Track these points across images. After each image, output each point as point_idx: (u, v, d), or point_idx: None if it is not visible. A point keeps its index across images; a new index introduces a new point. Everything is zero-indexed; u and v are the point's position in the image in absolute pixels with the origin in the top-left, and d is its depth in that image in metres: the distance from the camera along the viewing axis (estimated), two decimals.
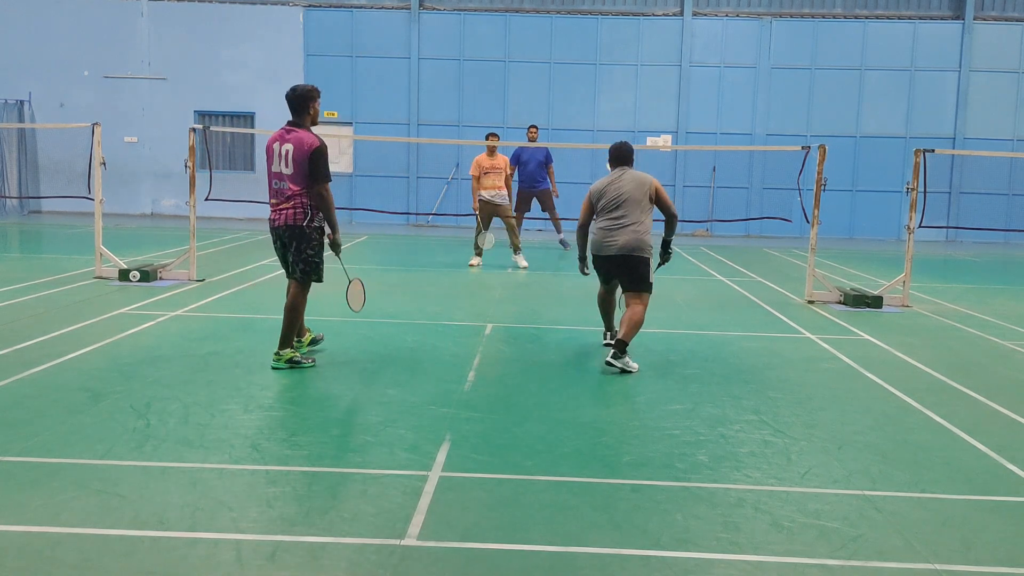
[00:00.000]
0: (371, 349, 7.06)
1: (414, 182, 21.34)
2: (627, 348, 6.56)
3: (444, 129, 20.89)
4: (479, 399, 5.67)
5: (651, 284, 6.87)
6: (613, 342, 7.18)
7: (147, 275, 10.03)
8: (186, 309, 8.49)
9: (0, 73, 20.64)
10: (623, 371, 6.44)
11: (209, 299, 9.11)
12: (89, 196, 10.68)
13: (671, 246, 7.20)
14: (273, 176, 6.24)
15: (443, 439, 4.80)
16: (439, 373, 6.32)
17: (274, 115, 20.35)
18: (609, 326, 7.47)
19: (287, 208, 6.16)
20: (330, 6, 21.07)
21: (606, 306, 7.40)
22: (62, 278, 10.15)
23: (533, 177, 14.30)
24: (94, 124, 10.53)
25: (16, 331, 7.19)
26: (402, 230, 20.09)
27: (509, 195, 12.87)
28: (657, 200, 6.95)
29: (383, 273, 12.15)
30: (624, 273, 6.84)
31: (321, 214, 6.26)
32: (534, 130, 14.71)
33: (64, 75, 20.91)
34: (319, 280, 6.38)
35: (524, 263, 12.69)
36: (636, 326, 6.67)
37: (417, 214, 20.70)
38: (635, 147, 20.03)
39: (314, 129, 6.41)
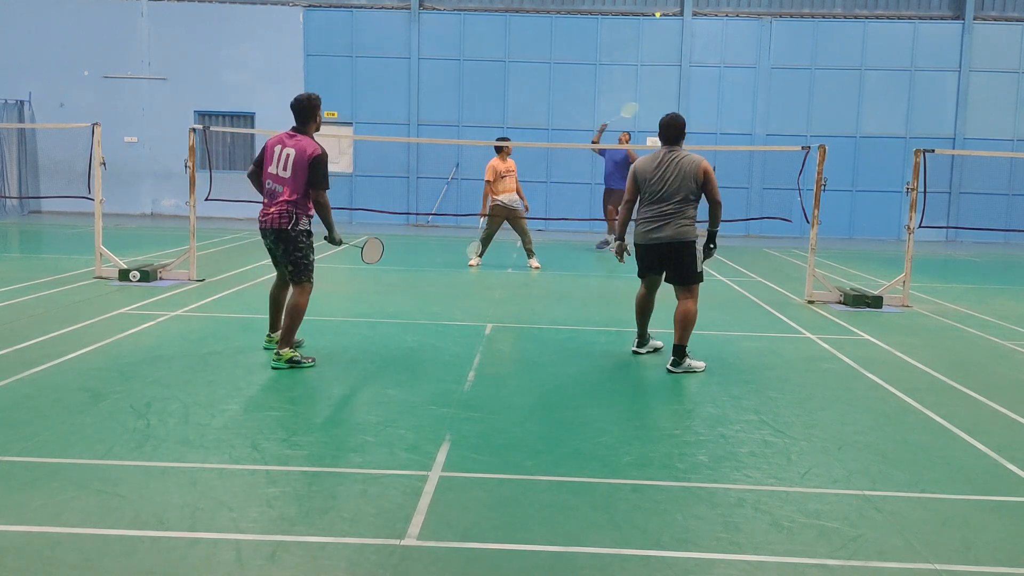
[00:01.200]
0: (371, 349, 7.06)
1: (414, 182, 21.34)
2: (686, 350, 6.49)
3: (444, 129, 20.90)
4: (479, 399, 5.67)
5: (701, 273, 6.64)
6: (644, 350, 7.08)
7: (147, 275, 10.03)
8: (186, 309, 8.49)
9: (0, 73, 20.64)
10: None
11: (209, 299, 9.11)
12: (89, 196, 10.68)
13: (716, 238, 6.70)
14: (268, 176, 6.30)
15: (443, 439, 4.80)
16: (439, 373, 6.32)
17: (274, 115, 20.36)
18: (643, 332, 7.09)
19: (274, 211, 6.23)
20: (330, 6, 21.07)
21: (644, 308, 7.00)
22: (62, 278, 10.15)
23: (610, 176, 14.84)
24: (94, 124, 10.53)
25: (16, 331, 7.19)
26: (402, 230, 20.09)
27: (522, 198, 12.88)
28: (704, 185, 6.50)
29: (383, 273, 12.15)
30: (670, 263, 6.60)
31: (307, 217, 6.32)
32: (626, 136, 15.28)
33: (64, 75, 20.91)
34: (309, 281, 6.38)
35: (537, 264, 12.71)
36: (690, 324, 6.48)
37: (417, 214, 20.70)
38: (635, 147, 20.00)
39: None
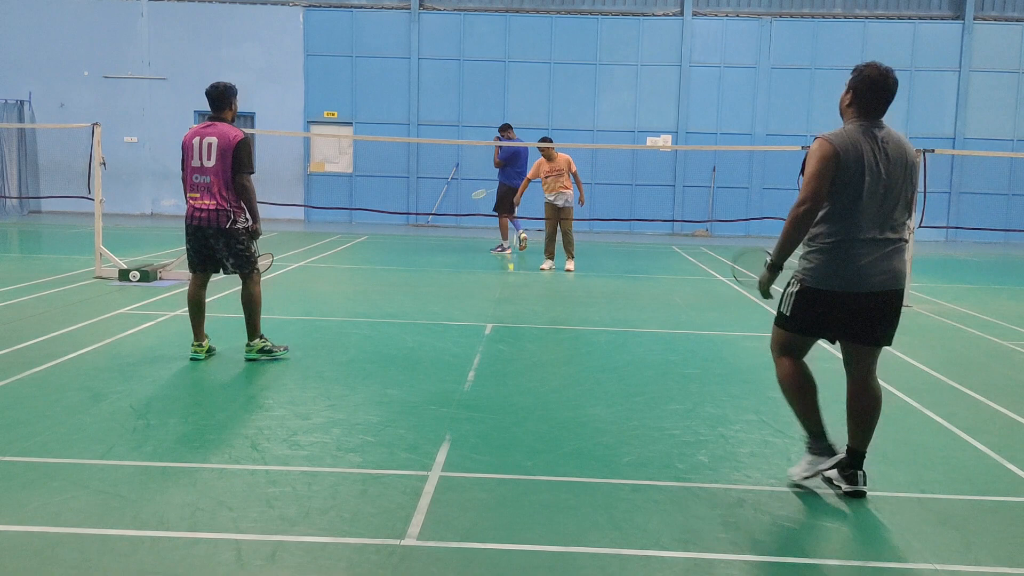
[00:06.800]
0: (371, 349, 7.06)
1: (414, 182, 21.33)
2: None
3: (444, 129, 20.90)
4: (479, 399, 5.67)
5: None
6: (836, 460, 4.16)
7: (147, 275, 10.03)
8: (186, 309, 8.47)
9: (0, 73, 20.64)
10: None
11: (209, 299, 9.06)
12: (89, 196, 10.68)
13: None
14: (193, 171, 6.30)
15: (443, 439, 4.79)
16: (439, 373, 6.32)
17: (274, 115, 20.36)
18: (817, 426, 4.23)
19: (211, 207, 6.23)
20: (330, 6, 21.07)
21: (807, 394, 4.23)
22: (62, 278, 10.15)
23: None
24: (94, 124, 10.53)
25: (16, 331, 7.19)
26: (402, 230, 20.09)
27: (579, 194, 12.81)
28: (912, 188, 4.22)
29: (383, 273, 12.15)
30: (875, 320, 4.10)
31: (244, 215, 6.34)
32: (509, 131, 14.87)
33: (64, 75, 20.91)
34: (256, 271, 6.47)
35: (569, 267, 12.64)
36: (878, 411, 4.22)
37: (417, 214, 20.70)
38: (634, 147, 19.90)
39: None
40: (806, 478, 4.20)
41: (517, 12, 21.09)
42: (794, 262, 4.16)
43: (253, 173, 6.26)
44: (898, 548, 3.60)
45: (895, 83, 4.20)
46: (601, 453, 4.69)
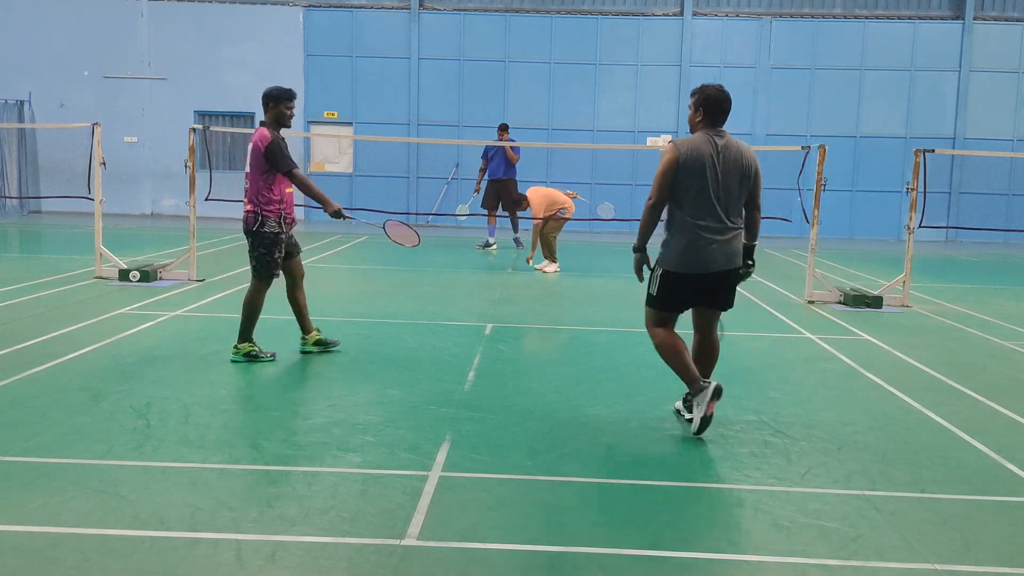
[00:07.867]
0: (371, 349, 7.06)
1: (414, 182, 21.34)
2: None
3: (444, 129, 20.90)
4: (479, 399, 5.67)
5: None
6: (712, 389, 4.89)
7: (147, 275, 10.03)
8: (186, 309, 8.49)
9: (0, 73, 20.64)
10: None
11: (209, 299, 9.11)
12: (89, 196, 10.68)
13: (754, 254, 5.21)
14: (246, 176, 6.55)
15: (443, 439, 4.80)
16: (439, 373, 6.32)
17: None
18: (692, 373, 5.02)
19: (246, 210, 6.44)
20: (330, 6, 21.07)
21: (681, 351, 5.10)
22: (62, 278, 10.15)
23: (495, 170, 14.82)
24: (94, 124, 10.53)
25: (16, 331, 7.19)
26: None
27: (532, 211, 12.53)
28: (754, 188, 5.09)
29: (383, 273, 12.15)
30: (721, 292, 5.14)
31: (275, 218, 6.38)
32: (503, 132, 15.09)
33: (64, 75, 20.92)
34: (270, 277, 6.51)
35: (548, 269, 12.45)
36: (718, 354, 5.34)
37: (417, 214, 20.70)
38: (634, 147, 19.78)
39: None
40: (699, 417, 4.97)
41: (517, 12, 21.10)
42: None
43: (295, 167, 6.36)
44: (898, 548, 3.60)
45: (729, 100, 5.10)
46: (601, 453, 4.69)
